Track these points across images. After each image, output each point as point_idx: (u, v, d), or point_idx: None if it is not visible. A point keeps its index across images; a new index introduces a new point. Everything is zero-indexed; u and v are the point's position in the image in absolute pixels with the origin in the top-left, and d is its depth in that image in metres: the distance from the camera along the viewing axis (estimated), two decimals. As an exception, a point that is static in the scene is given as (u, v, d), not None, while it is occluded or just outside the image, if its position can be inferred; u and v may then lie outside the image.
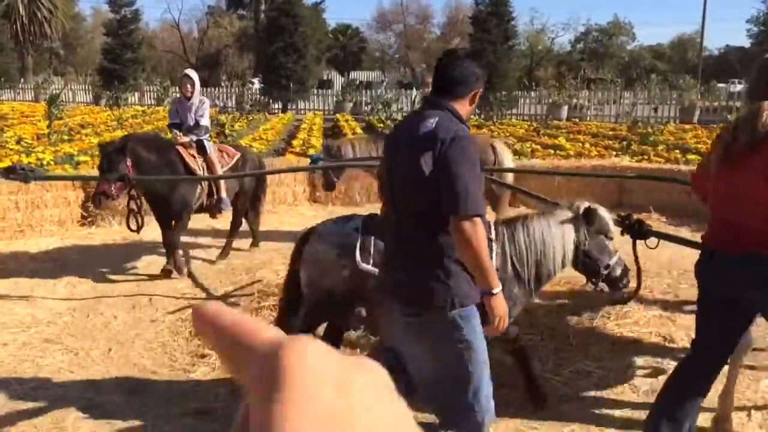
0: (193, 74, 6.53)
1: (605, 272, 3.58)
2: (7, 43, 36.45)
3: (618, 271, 3.64)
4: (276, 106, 28.94)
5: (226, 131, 15.37)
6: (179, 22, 51.68)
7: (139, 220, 5.79)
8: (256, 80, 33.23)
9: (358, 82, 36.18)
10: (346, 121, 21.84)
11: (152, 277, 6.14)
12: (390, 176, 2.62)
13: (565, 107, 25.80)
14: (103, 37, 35.26)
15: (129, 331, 4.90)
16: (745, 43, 44.59)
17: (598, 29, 55.44)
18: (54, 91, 18.39)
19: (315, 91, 32.13)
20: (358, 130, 18.28)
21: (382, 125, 20.34)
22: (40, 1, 43.50)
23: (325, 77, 50.14)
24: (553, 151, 12.32)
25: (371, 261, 3.45)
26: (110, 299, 5.46)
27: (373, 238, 3.50)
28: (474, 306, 2.52)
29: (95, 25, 52.07)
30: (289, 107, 29.09)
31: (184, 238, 6.36)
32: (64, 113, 16.94)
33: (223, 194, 6.47)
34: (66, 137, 12.61)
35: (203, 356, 4.38)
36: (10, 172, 4.79)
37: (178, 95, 6.76)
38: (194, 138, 6.31)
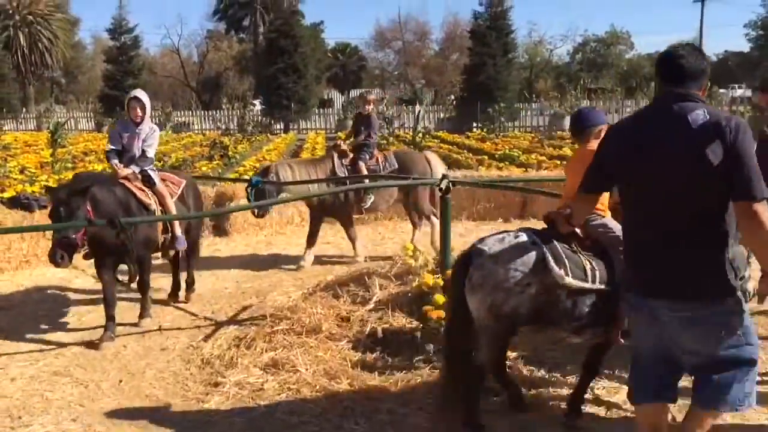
0: (143, 96, 5.71)
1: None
2: (9, 73, 36.61)
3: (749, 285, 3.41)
4: (278, 127, 28.99)
5: (230, 153, 15.33)
6: (179, 47, 51.97)
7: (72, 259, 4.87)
8: (257, 102, 33.30)
9: (358, 100, 36.28)
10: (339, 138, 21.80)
11: (161, 302, 6.02)
12: (646, 175, 2.56)
13: (568, 118, 25.73)
14: (104, 64, 35.45)
15: (139, 360, 4.78)
16: (745, 47, 44.67)
17: (596, 39, 55.56)
18: (58, 119, 18.39)
19: (316, 111, 32.18)
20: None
21: (384, 141, 20.31)
22: (41, 31, 43.78)
23: (325, 96, 50.24)
24: (559, 162, 12.22)
25: (569, 272, 3.27)
26: (119, 327, 5.33)
27: (560, 247, 3.32)
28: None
29: (96, 52, 52.39)
30: (290, 127, 29.12)
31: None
32: (67, 141, 16.91)
33: (178, 231, 5.71)
34: (69, 165, 12.55)
35: (217, 385, 4.25)
36: (15, 202, 4.66)
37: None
38: (137, 170, 5.52)
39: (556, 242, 3.33)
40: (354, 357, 4.50)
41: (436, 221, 6.99)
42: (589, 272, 3.32)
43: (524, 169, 11.39)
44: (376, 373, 4.27)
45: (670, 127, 2.50)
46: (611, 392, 4.02)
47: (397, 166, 7.38)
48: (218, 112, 32.27)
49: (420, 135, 12.82)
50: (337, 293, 5.43)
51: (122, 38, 33.57)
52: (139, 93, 5.78)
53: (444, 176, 5.44)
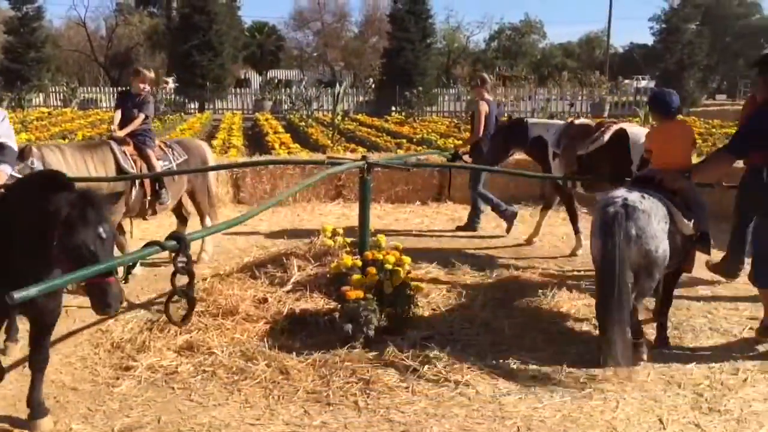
0: None
1: None
2: None
3: None
4: (192, 106, 28.13)
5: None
6: (86, 20, 49.41)
7: None
8: (170, 79, 32.20)
9: (276, 80, 35.63)
10: (266, 120, 21.46)
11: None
12: None
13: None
14: (4, 35, 33.29)
15: (44, 345, 4.55)
16: (649, 40, 46.88)
17: (511, 28, 56.92)
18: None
19: (233, 90, 31.44)
20: (280, 129, 17.98)
21: (303, 123, 20.12)
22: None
23: (242, 76, 49.15)
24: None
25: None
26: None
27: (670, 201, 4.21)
28: None
29: (-7, 22, 49.04)
30: (206, 107, 28.34)
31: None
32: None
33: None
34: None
35: (128, 369, 4.12)
36: None
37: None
38: None
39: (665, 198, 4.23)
40: (272, 338, 4.47)
41: (209, 222, 6.64)
42: (688, 221, 4.24)
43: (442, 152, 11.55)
44: (294, 353, 4.25)
45: None
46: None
47: (186, 156, 6.42)
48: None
49: (339, 117, 12.82)
50: (254, 275, 5.36)
51: (24, 8, 31.60)
52: None
53: (364, 157, 5.46)
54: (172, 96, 27.90)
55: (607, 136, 6.08)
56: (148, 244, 3.24)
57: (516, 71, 41.61)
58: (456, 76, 44.29)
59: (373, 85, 30.21)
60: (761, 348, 4.51)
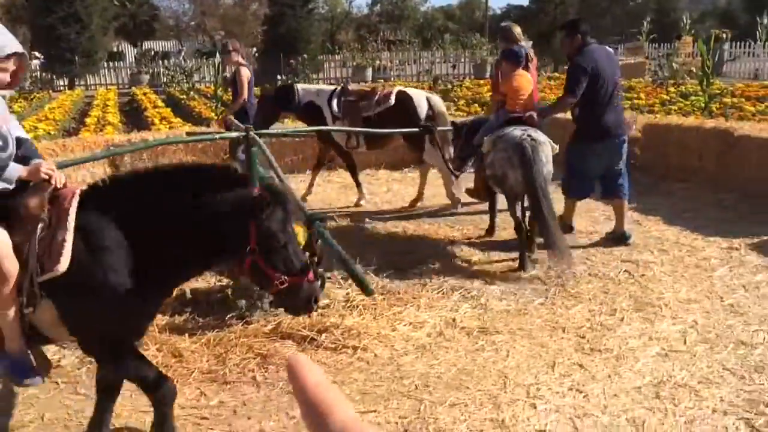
0: None
1: None
2: None
3: None
4: (61, 83, 26.31)
5: (5, 113, 13.64)
6: (-70, -8, 44.67)
7: None
8: (39, 54, 29.87)
9: (153, 52, 33.92)
10: (145, 94, 20.43)
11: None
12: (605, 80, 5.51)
13: (370, 69, 26.29)
14: None
15: None
16: (525, 2, 48.38)
17: (392, -9, 56.90)
18: None
19: (105, 65, 29.62)
20: (160, 103, 17.19)
21: (185, 96, 19.32)
22: None
23: (115, 49, 46.34)
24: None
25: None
26: None
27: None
28: None
29: None
30: (76, 83, 26.59)
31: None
32: None
33: None
34: None
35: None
36: None
37: None
38: None
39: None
40: (162, 321, 4.30)
41: None
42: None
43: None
44: (187, 335, 4.13)
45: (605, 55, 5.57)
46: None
47: None
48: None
49: (221, 89, 12.37)
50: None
51: None
52: None
53: (248, 128, 5.30)
54: (38, 72, 25.93)
55: (393, 99, 6.72)
56: None
57: (400, 35, 41.81)
58: (341, 42, 43.87)
59: (256, 54, 29.41)
60: (635, 289, 4.84)
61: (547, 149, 5.16)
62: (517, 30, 6.65)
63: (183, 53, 32.42)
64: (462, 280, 5.05)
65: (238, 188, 2.64)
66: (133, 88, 23.95)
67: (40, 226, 2.54)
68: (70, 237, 2.52)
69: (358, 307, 4.50)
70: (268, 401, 3.49)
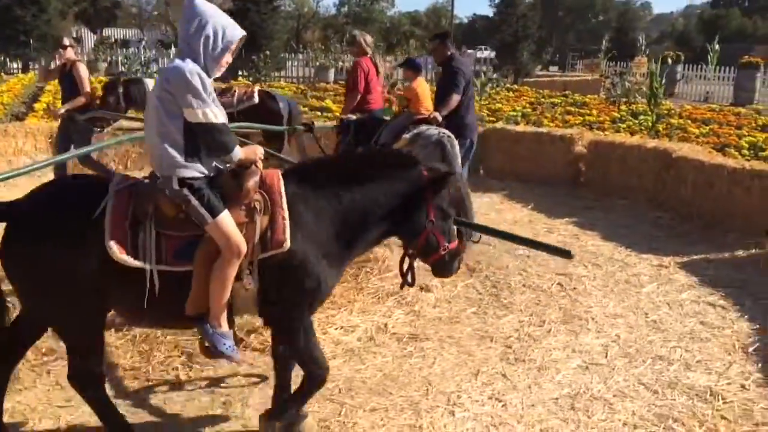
0: None
1: None
2: None
3: None
4: (15, 66, 25.56)
5: (-51, 94, 13.23)
6: None
7: None
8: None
9: (113, 39, 33.24)
10: (100, 82, 19.99)
11: None
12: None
13: (332, 70, 26.22)
14: None
15: None
16: (489, 12, 48.95)
17: (360, -6, 56.95)
18: None
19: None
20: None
21: (141, 87, 18.96)
22: None
23: (74, 34, 45.26)
24: (320, 113, 12.46)
25: None
26: None
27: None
28: None
29: None
30: (30, 67, 25.87)
31: None
32: None
33: None
34: None
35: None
36: None
37: None
38: None
39: None
40: (89, 315, 4.23)
41: None
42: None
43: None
44: (113, 330, 4.06)
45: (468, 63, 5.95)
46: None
47: None
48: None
49: (253, 83, 12.23)
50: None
51: None
52: None
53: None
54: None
55: (256, 97, 6.88)
56: None
57: (365, 38, 41.76)
58: (306, 41, 43.69)
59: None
60: (565, 302, 4.95)
61: (457, 146, 5.77)
62: (368, 39, 6.90)
63: (144, 42, 31.87)
64: (398, 286, 5.09)
65: (413, 169, 2.98)
66: (90, 76, 23.44)
67: (258, 206, 2.70)
68: (287, 215, 2.73)
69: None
70: (189, 400, 3.46)
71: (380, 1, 56.58)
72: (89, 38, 43.59)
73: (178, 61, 2.60)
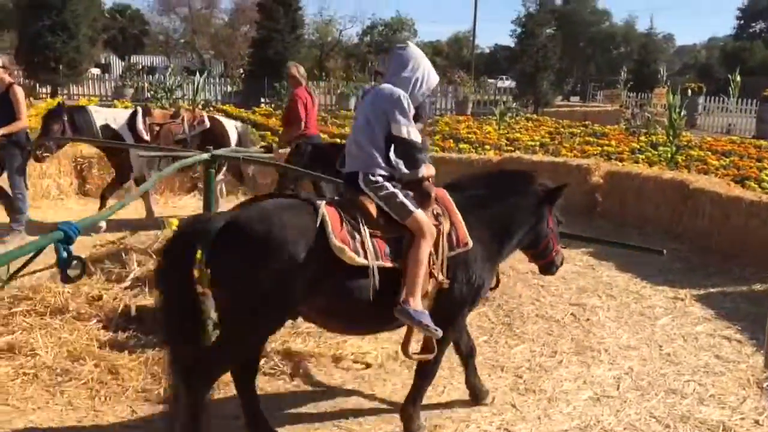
0: None
1: None
2: None
3: None
4: (44, 91, 26.21)
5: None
6: None
7: None
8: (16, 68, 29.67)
9: (140, 66, 33.90)
10: (126, 107, 20.40)
11: None
12: None
13: (354, 98, 26.51)
14: None
15: None
16: (510, 43, 49.26)
17: (383, 24, 57.69)
18: None
19: (89, 75, 29.56)
20: (139, 118, 17.17)
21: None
22: None
23: (103, 60, 46.33)
24: (340, 140, 12.58)
25: None
26: None
27: None
28: None
29: None
30: (59, 92, 26.50)
31: None
32: None
33: None
34: None
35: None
36: None
37: None
38: None
39: None
40: (103, 337, 4.30)
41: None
42: None
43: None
44: (127, 351, 4.12)
45: None
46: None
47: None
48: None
49: (200, 107, 12.42)
50: (89, 271, 5.11)
51: None
52: None
53: (207, 149, 5.38)
54: (21, 79, 25.78)
55: (207, 121, 7.36)
56: None
57: (387, 67, 42.18)
58: (329, 69, 44.25)
59: (242, 75, 29.53)
60: (578, 332, 4.92)
61: None
62: (301, 70, 7.19)
63: (170, 69, 32.43)
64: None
65: (533, 185, 3.59)
66: (116, 100, 23.90)
67: (440, 212, 3.23)
68: (462, 220, 3.25)
69: (302, 333, 4.52)
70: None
71: (403, 30, 57.21)
72: (117, 65, 44.59)
73: (392, 87, 3.23)
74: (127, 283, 4.92)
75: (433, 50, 60.69)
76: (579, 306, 5.44)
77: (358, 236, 3.00)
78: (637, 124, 15.60)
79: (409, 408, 3.43)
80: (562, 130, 16.23)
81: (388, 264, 3.05)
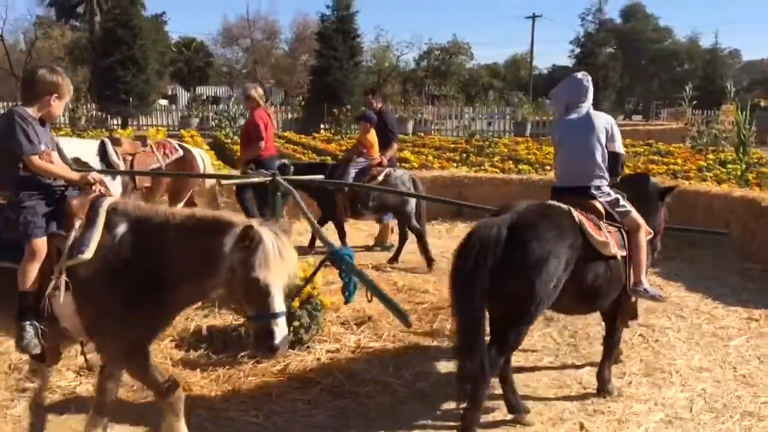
0: None
1: None
2: None
3: None
4: (115, 123, 27.41)
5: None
6: (3, 33, 47.43)
7: None
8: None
9: (205, 97, 35.13)
10: (192, 136, 21.12)
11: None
12: None
13: (411, 122, 26.74)
14: None
15: (-65, 369, 4.40)
16: (570, 62, 48.73)
17: (439, 48, 58.00)
18: None
19: (157, 106, 30.79)
20: (205, 146, 17.75)
21: (228, 140, 19.95)
22: None
23: (169, 92, 48.21)
24: (399, 164, 12.68)
25: None
26: None
27: None
28: None
29: None
30: (129, 123, 27.68)
31: None
32: None
33: None
34: None
35: (24, 390, 4.03)
36: None
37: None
38: None
39: None
40: (177, 355, 4.46)
41: None
42: None
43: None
44: (199, 370, 4.26)
45: None
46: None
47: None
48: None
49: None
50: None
51: (-66, 19, 30.07)
52: None
53: (273, 173, 5.53)
54: (93, 112, 27.08)
55: (181, 150, 7.44)
56: None
57: (444, 90, 42.46)
58: (386, 94, 44.74)
59: (302, 103, 30.23)
60: (647, 354, 4.80)
61: None
62: (260, 91, 7.59)
63: (233, 99, 33.44)
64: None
65: (655, 184, 4.69)
66: (182, 130, 24.79)
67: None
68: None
69: (366, 354, 4.58)
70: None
71: (459, 54, 57.36)
72: (183, 96, 46.24)
73: (600, 113, 4.23)
74: (197, 304, 5.08)
75: (491, 73, 60.64)
76: (647, 327, 5.30)
77: (604, 233, 3.76)
78: (703, 142, 15.17)
79: (604, 372, 4.12)
80: (624, 148, 15.92)
81: (623, 253, 3.83)
